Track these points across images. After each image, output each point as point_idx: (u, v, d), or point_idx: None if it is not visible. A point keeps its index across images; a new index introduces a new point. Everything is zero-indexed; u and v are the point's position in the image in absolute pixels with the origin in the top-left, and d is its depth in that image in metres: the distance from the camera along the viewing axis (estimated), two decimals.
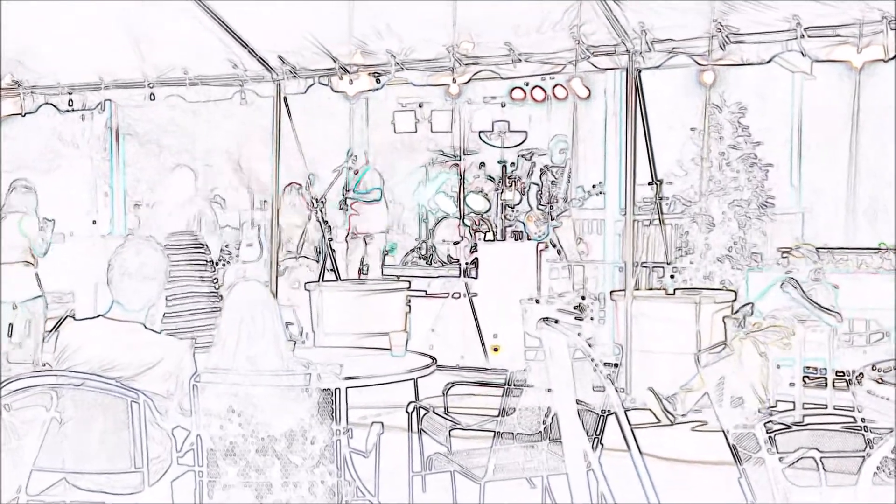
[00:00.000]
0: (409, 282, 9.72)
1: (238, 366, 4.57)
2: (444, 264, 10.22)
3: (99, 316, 4.86)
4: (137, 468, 4.58)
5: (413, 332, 9.17)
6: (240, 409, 4.50)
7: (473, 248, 9.91)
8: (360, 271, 10.52)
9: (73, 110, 10.07)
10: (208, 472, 4.55)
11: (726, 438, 4.44)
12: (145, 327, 4.80)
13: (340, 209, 10.54)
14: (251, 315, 4.61)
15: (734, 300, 8.29)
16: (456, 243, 10.20)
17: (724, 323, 7.90)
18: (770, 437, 4.39)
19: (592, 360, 4.17)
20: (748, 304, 7.93)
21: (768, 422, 4.41)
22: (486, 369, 9.28)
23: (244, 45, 8.91)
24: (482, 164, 10.23)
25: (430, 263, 10.35)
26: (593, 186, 9.82)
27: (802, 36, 7.41)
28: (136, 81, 9.61)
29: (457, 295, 9.64)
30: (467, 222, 10.11)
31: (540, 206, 9.85)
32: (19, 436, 4.55)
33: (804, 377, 7.58)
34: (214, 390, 4.52)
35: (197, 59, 9.23)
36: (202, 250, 8.55)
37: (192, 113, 10.51)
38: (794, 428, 4.74)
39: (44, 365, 8.85)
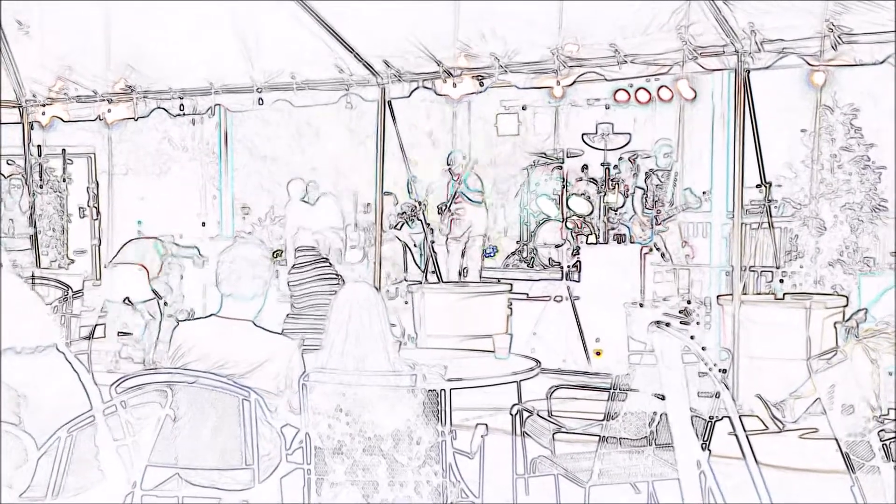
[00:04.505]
0: (511, 284, 9.70)
1: (346, 365, 4.62)
2: (546, 267, 10.18)
3: (211, 315, 4.97)
4: (248, 465, 4.66)
5: (514, 335, 9.15)
6: (347, 409, 4.55)
7: (576, 252, 9.84)
8: (461, 274, 10.54)
9: (183, 114, 10.30)
10: (316, 470, 4.61)
11: (838, 446, 4.35)
12: (256, 325, 4.88)
13: (439, 213, 10.58)
14: (359, 315, 4.66)
15: (846, 305, 8.09)
16: (558, 246, 10.15)
17: (836, 329, 7.72)
18: (884, 444, 4.31)
19: (706, 364, 4.11)
20: (862, 309, 7.73)
21: (881, 430, 4.32)
22: (588, 373, 9.21)
23: (350, 49, 9.01)
24: (585, 167, 10.16)
25: (532, 266, 10.33)
26: (703, 193, 9.66)
27: None
28: (245, 86, 9.80)
29: (559, 298, 9.59)
30: (569, 225, 10.05)
31: (646, 210, 9.74)
32: (134, 432, 4.66)
33: None
34: (323, 389, 4.57)
35: (304, 64, 9.38)
36: (330, 266, 8.62)
37: (299, 117, 10.66)
38: None
39: (154, 363, 9.08)
